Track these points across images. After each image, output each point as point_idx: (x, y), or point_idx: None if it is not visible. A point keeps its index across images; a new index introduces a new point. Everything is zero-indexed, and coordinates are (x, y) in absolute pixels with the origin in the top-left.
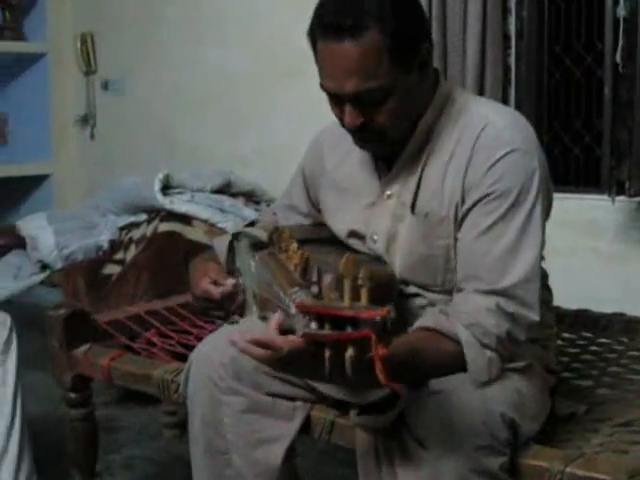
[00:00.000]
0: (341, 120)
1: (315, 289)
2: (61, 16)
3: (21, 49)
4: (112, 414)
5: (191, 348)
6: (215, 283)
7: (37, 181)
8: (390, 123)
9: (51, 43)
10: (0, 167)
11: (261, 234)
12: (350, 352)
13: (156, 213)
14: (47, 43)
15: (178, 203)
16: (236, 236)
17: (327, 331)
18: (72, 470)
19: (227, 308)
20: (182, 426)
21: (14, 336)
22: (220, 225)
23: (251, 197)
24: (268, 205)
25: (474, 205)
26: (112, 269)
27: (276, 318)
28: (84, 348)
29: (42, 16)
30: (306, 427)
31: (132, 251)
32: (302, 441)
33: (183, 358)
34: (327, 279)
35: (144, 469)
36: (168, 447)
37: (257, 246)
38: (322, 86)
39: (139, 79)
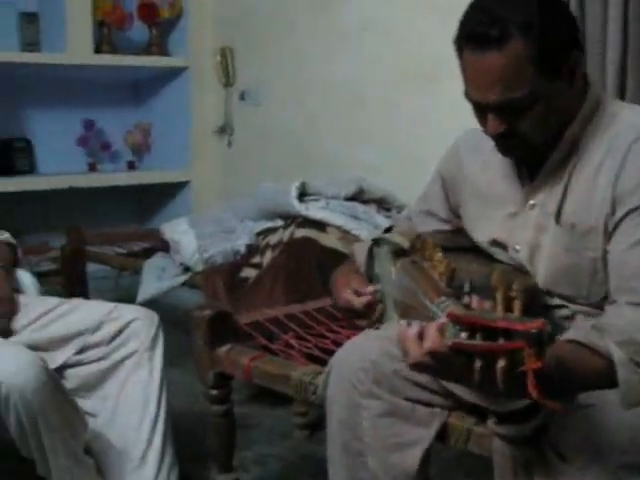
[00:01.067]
0: (485, 128)
1: (465, 299)
2: (202, 32)
3: (165, 63)
4: (245, 412)
5: (328, 352)
6: (356, 293)
7: (177, 187)
8: (534, 130)
9: (192, 57)
10: (144, 174)
11: (402, 241)
12: (502, 363)
13: (292, 219)
14: (189, 58)
15: (313, 210)
16: (377, 242)
17: (478, 341)
18: (211, 463)
19: (369, 316)
20: (313, 427)
21: (161, 334)
22: (354, 232)
23: (382, 204)
24: (399, 212)
25: (625, 216)
26: (249, 272)
27: (436, 326)
28: (226, 347)
29: (184, 32)
30: (442, 434)
31: (268, 256)
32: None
33: (320, 361)
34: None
35: (275, 467)
36: (298, 447)
37: (398, 253)
38: (466, 95)
39: (274, 90)
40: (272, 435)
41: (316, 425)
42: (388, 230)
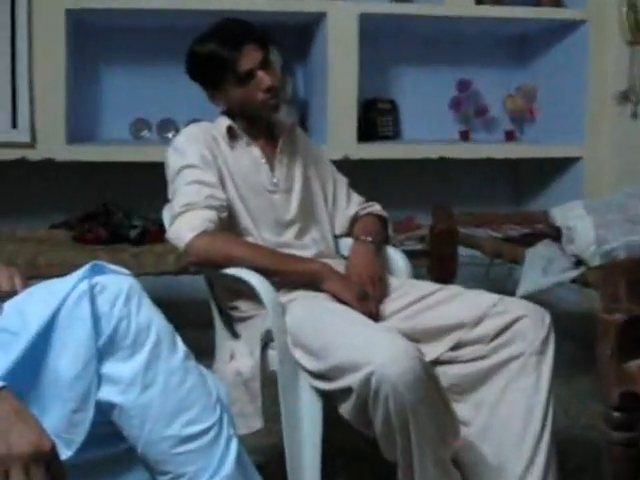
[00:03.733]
0: None
1: None
2: None
3: (559, 16)
4: None
5: None
6: None
7: (566, 165)
8: None
9: (592, 9)
10: (525, 147)
11: None
12: None
13: None
14: (588, 10)
15: None
16: None
17: None
18: None
19: None
20: None
21: (552, 336)
22: None
23: None
24: None
25: None
26: None
27: None
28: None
29: None
30: None
31: None
32: None
33: None
34: None
35: None
36: None
37: None
38: None
39: None
40: None
41: None
42: None
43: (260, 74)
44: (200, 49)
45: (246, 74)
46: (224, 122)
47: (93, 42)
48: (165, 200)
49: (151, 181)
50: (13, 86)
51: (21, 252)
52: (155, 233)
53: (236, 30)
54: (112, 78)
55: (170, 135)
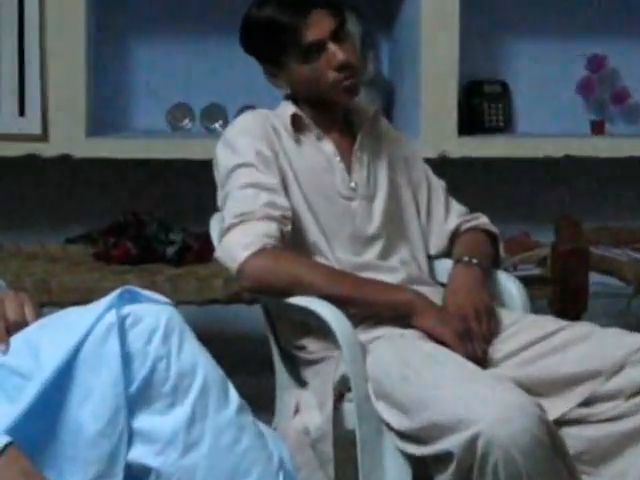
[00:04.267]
0: None
1: None
2: None
3: None
4: None
5: None
6: None
7: None
8: None
9: None
10: None
11: None
12: None
13: None
14: None
15: None
16: None
17: None
18: None
19: None
20: None
21: None
22: None
23: None
24: None
25: None
26: None
27: None
28: None
29: None
30: None
31: None
32: None
33: None
34: None
35: None
36: None
37: None
38: None
39: None
40: None
41: None
42: None
43: (332, 47)
44: (256, 14)
45: (314, 47)
46: (288, 109)
47: (121, 7)
48: (213, 208)
49: (194, 184)
50: (20, 62)
51: (29, 272)
52: (198, 251)
53: None
54: (144, 53)
55: (217, 125)
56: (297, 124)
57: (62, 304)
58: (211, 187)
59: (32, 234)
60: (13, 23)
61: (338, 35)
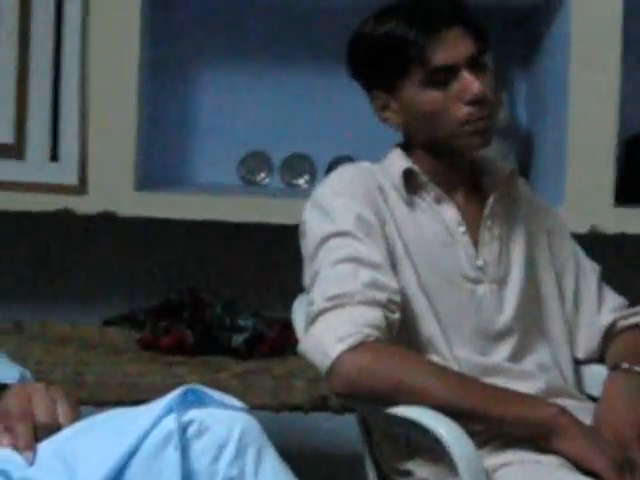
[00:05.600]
0: None
1: None
2: None
3: None
4: None
5: None
6: None
7: None
8: None
9: None
10: None
11: None
12: None
13: None
14: None
15: None
16: None
17: None
18: None
19: None
20: None
21: None
22: None
23: None
24: None
25: None
26: None
27: None
28: None
29: None
30: None
31: None
32: None
33: None
34: None
35: None
36: None
37: None
38: None
39: None
40: None
41: None
42: None
43: (466, 76)
44: (373, 29)
45: (443, 72)
46: (399, 163)
47: (183, 35)
48: (295, 288)
49: (270, 256)
50: (55, 94)
51: (58, 361)
52: (273, 341)
53: (434, 4)
54: (211, 87)
55: (302, 182)
56: (411, 182)
57: (98, 403)
58: (293, 260)
59: (62, 312)
60: (48, 47)
61: (476, 63)
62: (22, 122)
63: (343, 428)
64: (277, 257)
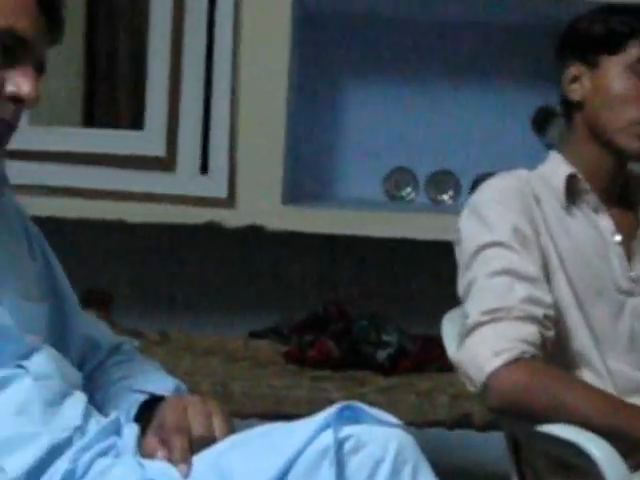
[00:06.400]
0: None
1: None
2: None
3: None
4: None
5: None
6: None
7: None
8: None
9: None
10: None
11: None
12: None
13: None
14: None
15: None
16: None
17: None
18: None
19: None
20: None
21: None
22: None
23: None
24: None
25: None
26: None
27: None
28: None
29: None
30: None
31: None
32: None
33: None
34: None
35: None
36: None
37: None
38: None
39: None
40: None
41: None
42: None
43: None
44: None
45: None
46: (562, 167)
47: (333, 53)
48: (439, 303)
49: (414, 270)
50: (206, 108)
51: (204, 372)
52: (417, 356)
53: None
54: (358, 103)
55: (447, 197)
56: (571, 189)
57: (243, 415)
58: (436, 276)
59: (208, 323)
60: (200, 64)
61: None
62: (173, 136)
63: (486, 445)
64: (420, 272)
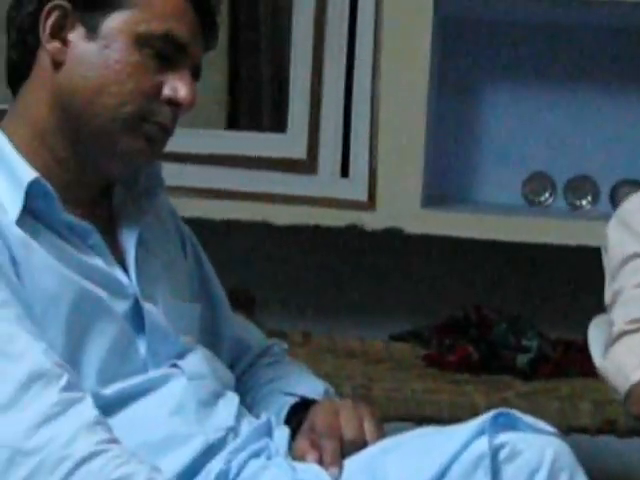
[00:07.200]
0: None
1: None
2: None
3: None
4: None
5: None
6: None
7: None
8: None
9: None
10: None
11: None
12: None
13: None
14: None
15: None
16: None
17: None
18: None
19: None
20: None
21: None
22: None
23: None
24: None
25: None
26: None
27: None
28: None
29: None
30: None
31: None
32: None
33: None
34: None
35: None
36: None
37: None
38: None
39: None
40: None
41: None
42: None
43: None
44: None
45: None
46: None
47: (475, 57)
48: (579, 308)
49: (552, 275)
50: (347, 110)
51: (345, 374)
52: (556, 362)
53: None
54: (498, 107)
55: (585, 202)
56: None
57: (384, 418)
58: (575, 282)
59: (349, 325)
60: (340, 68)
61: None
62: (315, 139)
63: (631, 452)
64: (558, 278)
